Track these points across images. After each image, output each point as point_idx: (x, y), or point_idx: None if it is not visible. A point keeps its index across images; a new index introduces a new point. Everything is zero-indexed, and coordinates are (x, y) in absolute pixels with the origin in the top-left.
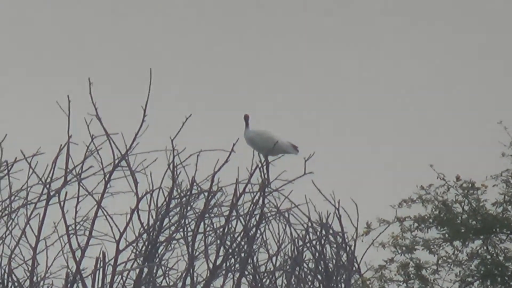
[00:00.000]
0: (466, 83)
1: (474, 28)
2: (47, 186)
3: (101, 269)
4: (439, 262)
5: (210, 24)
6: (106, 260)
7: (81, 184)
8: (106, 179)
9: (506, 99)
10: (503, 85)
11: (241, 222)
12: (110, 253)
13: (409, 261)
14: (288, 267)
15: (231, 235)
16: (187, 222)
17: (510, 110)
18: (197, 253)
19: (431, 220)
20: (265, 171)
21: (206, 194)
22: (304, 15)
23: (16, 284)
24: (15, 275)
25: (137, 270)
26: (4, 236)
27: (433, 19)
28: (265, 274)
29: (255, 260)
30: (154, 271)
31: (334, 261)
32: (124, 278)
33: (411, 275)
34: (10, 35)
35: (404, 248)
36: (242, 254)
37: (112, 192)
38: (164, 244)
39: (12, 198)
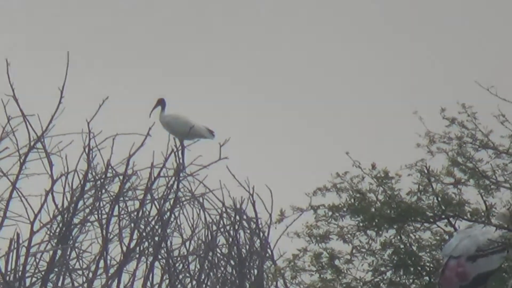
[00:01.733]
0: (383, 71)
1: (379, 16)
2: None
3: (14, 251)
4: (353, 251)
5: (128, 4)
6: (20, 242)
7: None
8: (21, 160)
9: (422, 89)
10: (419, 74)
11: (155, 206)
12: (24, 234)
13: (323, 251)
14: (201, 251)
15: (145, 219)
16: (101, 205)
17: (425, 100)
18: (111, 236)
19: (345, 209)
20: (180, 155)
21: (121, 177)
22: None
23: None
24: None
25: (51, 252)
26: None
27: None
28: (179, 259)
29: (168, 244)
30: (68, 253)
31: (247, 246)
32: (37, 260)
33: (324, 265)
34: None
35: (318, 238)
36: (156, 238)
37: (27, 174)
38: (78, 226)
39: None
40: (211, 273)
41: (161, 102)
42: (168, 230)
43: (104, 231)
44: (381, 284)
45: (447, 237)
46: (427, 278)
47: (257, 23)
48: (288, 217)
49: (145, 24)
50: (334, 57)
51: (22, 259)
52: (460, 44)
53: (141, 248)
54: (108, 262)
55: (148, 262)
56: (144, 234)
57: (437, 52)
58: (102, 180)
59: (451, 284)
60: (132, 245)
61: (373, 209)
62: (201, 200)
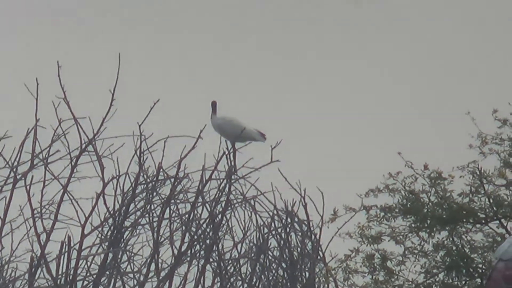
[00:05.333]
0: (435, 72)
1: (442, 20)
2: (14, 169)
3: (66, 254)
4: (405, 253)
5: (181, 8)
6: (71, 245)
7: (47, 168)
8: (73, 163)
9: (474, 90)
10: (472, 75)
11: (206, 208)
12: (75, 237)
13: (375, 253)
14: (253, 254)
15: (197, 222)
16: (152, 208)
17: (477, 101)
18: (162, 239)
19: (397, 210)
20: (231, 158)
21: (172, 180)
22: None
23: None
24: None
25: (102, 255)
26: None
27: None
28: (230, 262)
29: (220, 247)
30: (119, 256)
31: (299, 249)
32: (88, 263)
33: (377, 266)
34: None
35: (370, 239)
36: (207, 241)
37: (78, 177)
38: (129, 229)
39: None
40: (263, 276)
41: (214, 105)
42: (220, 233)
43: (155, 234)
44: (433, 286)
45: (499, 238)
46: (479, 280)
47: (310, 30)
48: (341, 217)
49: (192, 25)
50: (382, 58)
51: (73, 263)
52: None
53: (193, 251)
54: (160, 265)
55: (200, 265)
56: (195, 237)
57: (490, 54)
58: (153, 183)
59: (498, 287)
60: (183, 248)
61: (425, 210)
62: (252, 202)
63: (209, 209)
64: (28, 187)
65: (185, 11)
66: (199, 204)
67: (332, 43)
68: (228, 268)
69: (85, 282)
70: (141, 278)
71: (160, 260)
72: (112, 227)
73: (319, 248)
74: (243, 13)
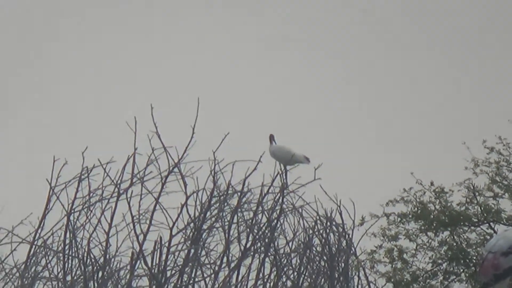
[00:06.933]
0: (440, 112)
1: (445, 49)
2: (118, 186)
3: (158, 250)
4: (417, 248)
5: (244, 57)
6: (162, 243)
7: (143, 185)
8: (163, 181)
9: (469, 125)
10: (467, 114)
11: (265, 215)
12: (165, 237)
13: (394, 248)
14: (301, 250)
15: (258, 225)
16: (224, 215)
17: (471, 133)
18: (232, 238)
19: (410, 216)
20: (284, 176)
21: (239, 194)
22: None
23: (93, 260)
24: (92, 253)
25: (186, 251)
26: (84, 223)
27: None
28: (283, 255)
29: (276, 245)
30: (199, 252)
31: (336, 246)
32: (175, 257)
33: (395, 258)
34: (79, 68)
35: (390, 238)
36: (266, 240)
37: (167, 191)
38: (206, 231)
39: (91, 195)
40: (308, 266)
41: (271, 137)
42: (275, 234)
43: (226, 234)
44: (438, 273)
45: (488, 237)
46: (473, 268)
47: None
48: (367, 222)
49: (255, 74)
50: (401, 91)
51: (164, 257)
52: (500, 88)
53: (255, 247)
54: (230, 258)
55: (260, 258)
56: (257, 237)
57: (482, 96)
58: (224, 196)
59: (488, 273)
60: (248, 245)
61: (431, 216)
62: (300, 210)
63: (267, 216)
64: (128, 199)
65: (249, 58)
66: (259, 212)
67: (346, 68)
68: (282, 260)
69: (173, 271)
70: (216, 268)
71: (230, 255)
72: (193, 230)
73: (352, 245)
74: (285, 56)
